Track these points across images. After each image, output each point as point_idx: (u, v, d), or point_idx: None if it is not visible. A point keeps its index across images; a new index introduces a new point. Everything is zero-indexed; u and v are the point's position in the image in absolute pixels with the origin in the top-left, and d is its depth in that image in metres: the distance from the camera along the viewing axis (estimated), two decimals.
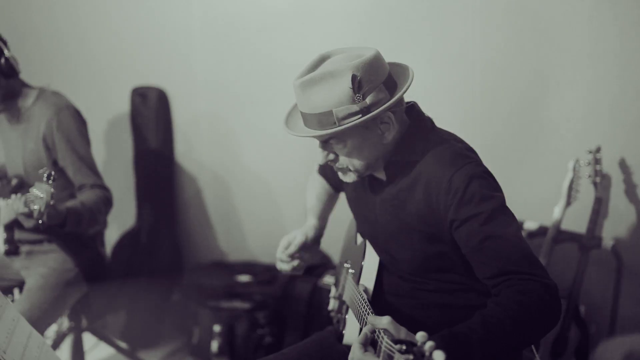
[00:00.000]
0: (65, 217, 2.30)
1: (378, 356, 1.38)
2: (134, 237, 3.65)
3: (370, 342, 1.45)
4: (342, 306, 2.01)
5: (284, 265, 2.08)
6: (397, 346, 1.26)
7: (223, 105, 3.57)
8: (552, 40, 2.81)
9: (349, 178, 1.79)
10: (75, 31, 3.77)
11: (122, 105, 3.69)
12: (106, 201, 2.56)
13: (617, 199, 2.76)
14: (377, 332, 1.42)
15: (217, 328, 3.10)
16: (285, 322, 3.25)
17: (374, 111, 1.61)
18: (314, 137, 1.68)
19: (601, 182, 2.66)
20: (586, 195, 2.69)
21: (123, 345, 3.29)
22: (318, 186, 2.27)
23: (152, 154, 3.63)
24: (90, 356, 3.25)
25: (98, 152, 2.68)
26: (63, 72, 3.78)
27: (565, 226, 2.70)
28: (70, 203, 2.39)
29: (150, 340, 3.52)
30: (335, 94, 1.60)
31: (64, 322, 2.90)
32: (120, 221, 3.73)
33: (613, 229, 2.77)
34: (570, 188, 2.68)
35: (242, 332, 3.17)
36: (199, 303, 3.29)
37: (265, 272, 3.44)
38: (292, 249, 2.05)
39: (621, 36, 2.69)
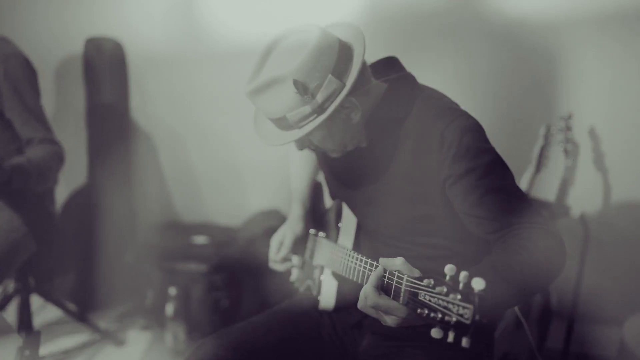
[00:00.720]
0: (10, 174, 2.18)
1: (396, 298, 1.31)
2: (85, 196, 3.52)
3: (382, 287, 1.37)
4: (313, 272, 1.93)
5: (278, 267, 2.00)
6: (425, 281, 1.20)
7: (182, 60, 3.43)
8: (527, 6, 2.74)
9: (334, 155, 1.72)
10: None
11: (75, 56, 3.50)
12: (56, 157, 2.42)
13: (585, 168, 2.73)
14: (388, 274, 1.34)
15: (172, 291, 3.00)
16: (242, 285, 3.18)
17: (328, 107, 1.53)
18: (280, 145, 1.61)
19: (572, 150, 2.62)
20: (555, 162, 2.66)
21: (72, 307, 3.19)
22: (299, 160, 2.11)
23: (105, 109, 3.46)
24: (38, 318, 3.13)
25: (48, 105, 2.53)
26: (10, 18, 3.57)
27: (534, 194, 2.66)
28: (16, 160, 2.25)
29: (100, 302, 3.41)
30: (283, 100, 1.53)
31: (10, 284, 2.78)
32: (70, 178, 3.58)
33: (580, 198, 2.75)
34: (540, 155, 2.64)
35: (198, 295, 3.10)
36: (153, 265, 3.19)
37: (222, 234, 3.36)
38: (284, 251, 1.95)
39: (597, 4, 2.65)
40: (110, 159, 3.54)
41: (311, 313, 1.85)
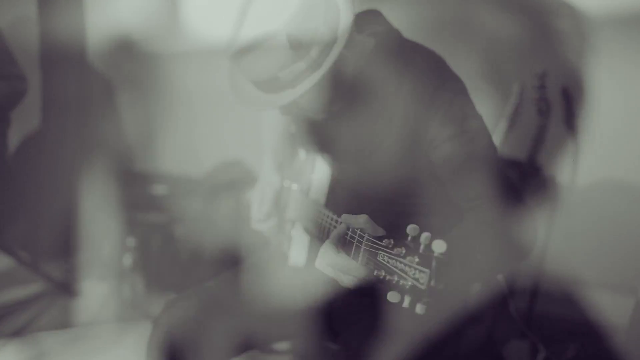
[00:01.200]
0: None
1: (355, 258, 1.23)
2: (39, 141, 3.40)
3: (342, 245, 1.30)
4: (285, 226, 1.86)
5: (263, 225, 1.89)
6: (385, 241, 1.13)
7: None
8: None
9: (318, 117, 1.61)
10: None
11: None
12: (11, 93, 2.29)
13: (556, 128, 2.70)
14: (350, 231, 1.27)
15: (130, 242, 2.93)
16: (204, 238, 3.12)
17: (323, 61, 1.42)
18: (271, 110, 1.52)
19: (545, 109, 2.58)
20: (528, 120, 2.62)
21: (25, 256, 3.10)
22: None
23: (62, 50, 3.31)
24: None
25: None
26: None
27: (505, 151, 2.62)
28: None
29: (54, 251, 3.32)
30: (275, 59, 1.40)
31: None
32: (22, 122, 3.43)
33: (550, 158, 2.73)
34: (513, 112, 2.59)
35: (158, 246, 3.04)
36: (110, 214, 3.13)
37: (184, 184, 3.28)
38: (267, 206, 1.85)
39: None
40: (65, 102, 3.42)
41: (280, 270, 1.79)
